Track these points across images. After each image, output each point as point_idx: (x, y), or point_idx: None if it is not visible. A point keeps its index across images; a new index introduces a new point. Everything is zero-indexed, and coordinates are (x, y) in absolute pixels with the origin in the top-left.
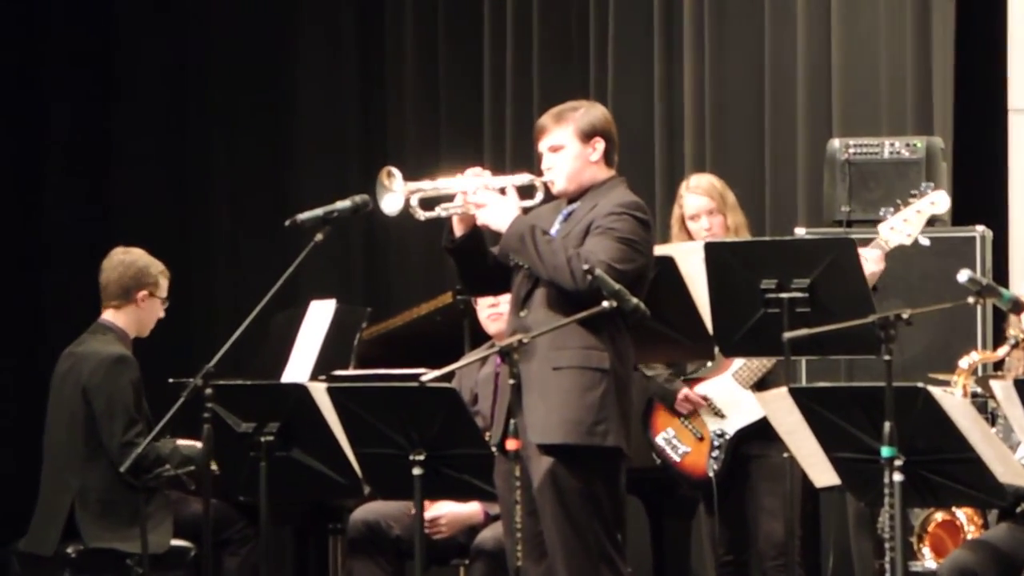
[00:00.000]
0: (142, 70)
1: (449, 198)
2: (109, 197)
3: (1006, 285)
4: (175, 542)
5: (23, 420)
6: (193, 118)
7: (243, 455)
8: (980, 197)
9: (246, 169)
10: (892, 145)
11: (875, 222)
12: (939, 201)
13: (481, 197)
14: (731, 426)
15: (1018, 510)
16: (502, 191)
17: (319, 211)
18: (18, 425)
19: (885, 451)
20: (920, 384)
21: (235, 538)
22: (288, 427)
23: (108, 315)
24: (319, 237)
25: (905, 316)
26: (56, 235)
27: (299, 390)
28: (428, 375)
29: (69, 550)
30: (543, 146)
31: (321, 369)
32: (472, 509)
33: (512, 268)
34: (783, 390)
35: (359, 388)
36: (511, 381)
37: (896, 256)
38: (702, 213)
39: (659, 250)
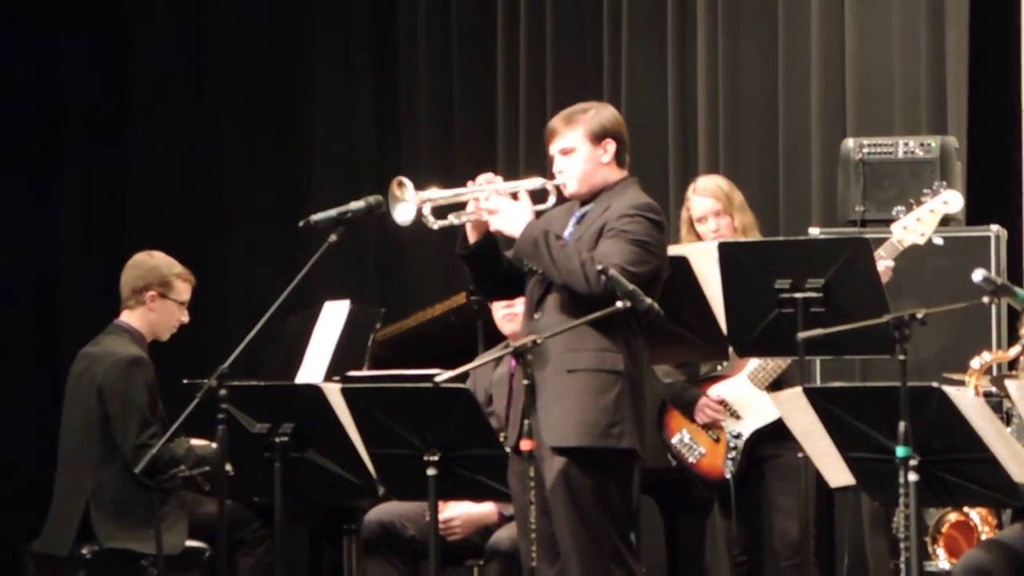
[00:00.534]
0: (158, 75)
1: (461, 205)
2: (125, 198)
3: (1021, 285)
4: (190, 543)
5: (38, 421)
6: (209, 121)
7: (257, 456)
8: (995, 197)
9: (261, 169)
10: (906, 145)
11: (889, 222)
12: (952, 200)
13: (493, 203)
14: (747, 428)
15: None
16: (514, 196)
17: (333, 212)
18: (33, 426)
19: (900, 451)
20: (935, 384)
21: (250, 539)
22: (302, 428)
23: (124, 316)
24: (333, 238)
25: (920, 316)
26: (73, 236)
27: (313, 391)
28: (442, 376)
29: (84, 551)
30: (554, 149)
31: (335, 370)
32: (486, 510)
33: (526, 272)
34: (798, 390)
35: (373, 389)
36: (525, 382)
37: (911, 256)
38: (709, 215)
39: (673, 250)
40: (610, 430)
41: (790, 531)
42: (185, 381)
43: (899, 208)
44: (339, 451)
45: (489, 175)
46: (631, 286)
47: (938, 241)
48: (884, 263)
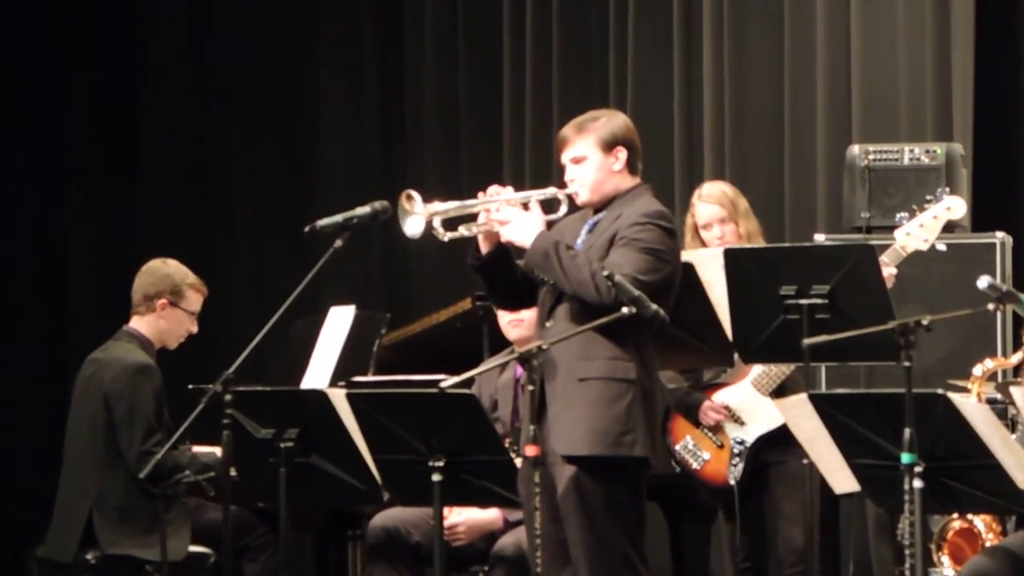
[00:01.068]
0: (167, 84)
1: (472, 217)
2: (134, 202)
3: None
4: (194, 548)
5: (44, 426)
6: (218, 129)
7: (262, 461)
8: (1000, 203)
9: (268, 177)
10: (912, 151)
11: (895, 228)
12: (955, 206)
13: (504, 214)
14: (751, 434)
15: None
16: (525, 206)
17: (339, 217)
18: (39, 431)
19: (905, 458)
20: (940, 390)
21: (255, 544)
22: (307, 433)
23: (133, 322)
24: (339, 243)
25: (925, 322)
26: (81, 241)
27: (319, 396)
28: (448, 381)
29: (88, 556)
30: (565, 157)
31: (341, 375)
32: (491, 515)
33: (538, 281)
34: (803, 396)
35: (379, 394)
36: (530, 388)
37: (916, 263)
38: (714, 222)
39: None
40: (622, 438)
41: (795, 538)
42: (190, 386)
43: (902, 215)
44: (344, 456)
45: (498, 187)
46: (636, 292)
47: (941, 247)
48: (887, 270)
